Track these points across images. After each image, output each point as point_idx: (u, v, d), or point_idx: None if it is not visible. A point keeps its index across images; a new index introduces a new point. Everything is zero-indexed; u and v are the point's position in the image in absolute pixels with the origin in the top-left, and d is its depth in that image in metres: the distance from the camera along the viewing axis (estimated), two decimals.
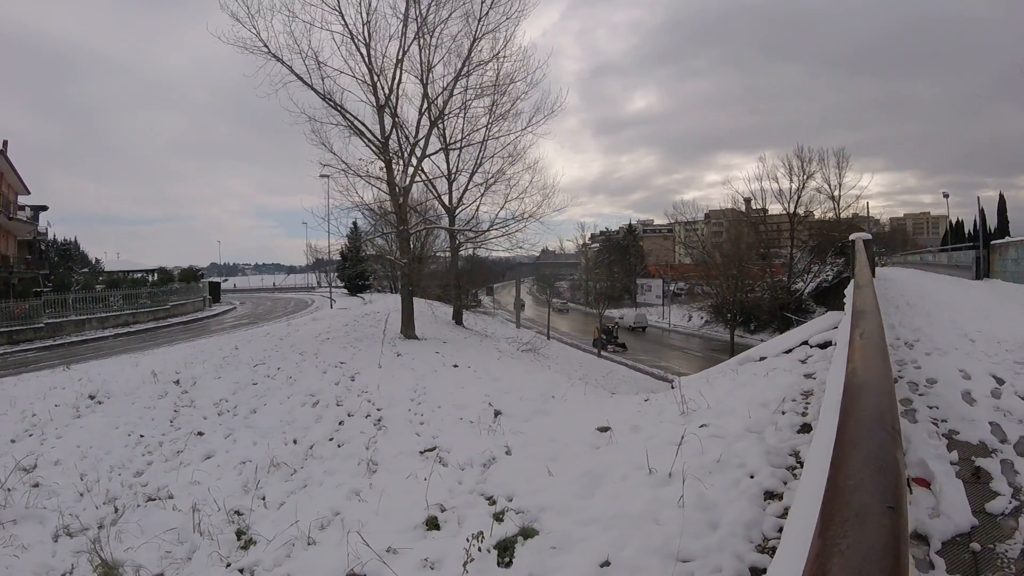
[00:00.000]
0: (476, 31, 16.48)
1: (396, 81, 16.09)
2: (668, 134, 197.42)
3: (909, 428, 3.52)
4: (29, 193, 34.74)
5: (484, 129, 20.14)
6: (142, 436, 8.79)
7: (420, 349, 14.84)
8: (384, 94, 16.00)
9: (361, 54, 15.58)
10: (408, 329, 17.20)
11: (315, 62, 15.13)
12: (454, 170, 22.17)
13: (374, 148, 16.33)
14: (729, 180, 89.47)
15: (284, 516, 5.24)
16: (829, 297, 32.28)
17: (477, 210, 23.97)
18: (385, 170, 16.55)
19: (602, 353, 35.02)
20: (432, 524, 4.17)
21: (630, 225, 77.55)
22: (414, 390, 9.86)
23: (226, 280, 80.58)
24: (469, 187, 22.21)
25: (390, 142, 16.44)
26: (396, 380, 10.72)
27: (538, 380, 10.65)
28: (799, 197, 44.20)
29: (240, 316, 37.81)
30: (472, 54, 16.81)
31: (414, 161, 17.42)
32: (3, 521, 5.66)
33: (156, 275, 40.86)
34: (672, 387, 7.81)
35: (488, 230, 22.88)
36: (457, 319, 25.79)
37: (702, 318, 41.78)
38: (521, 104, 19.79)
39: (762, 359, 6.91)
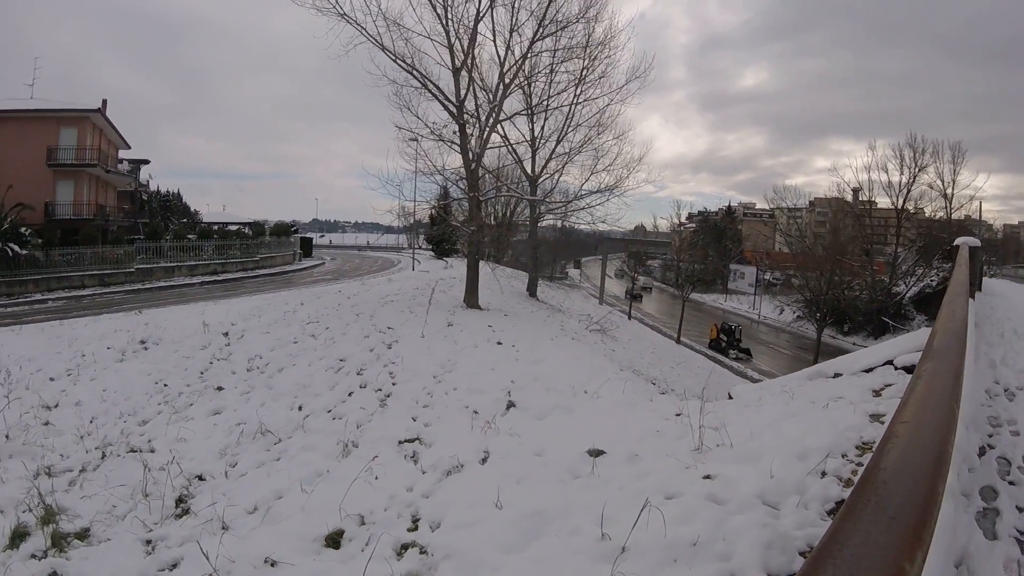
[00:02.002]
0: None
1: (472, 42, 16.11)
2: (777, 114, 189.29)
3: (980, 547, 2.49)
4: (129, 148, 39.04)
5: (571, 94, 20.18)
6: (166, 385, 9.56)
7: (475, 320, 14.89)
8: (461, 56, 16.11)
9: (438, 14, 15.69)
10: (471, 298, 17.48)
11: (385, 22, 15.39)
12: (538, 137, 22.44)
13: (450, 111, 16.56)
14: (836, 167, 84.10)
15: (234, 490, 5.33)
16: (931, 305, 30.33)
17: (556, 181, 24.21)
18: (459, 134, 16.78)
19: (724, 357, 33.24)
20: (332, 541, 3.97)
21: (729, 207, 76.75)
22: (441, 366, 9.80)
23: (323, 236, 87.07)
24: (553, 156, 22.40)
25: (465, 105, 16.61)
26: (430, 353, 10.73)
27: (582, 368, 10.17)
28: (908, 191, 42.30)
29: (326, 271, 40.61)
30: (548, 12, 16.50)
31: (491, 122, 17.44)
32: (3, 455, 6.35)
33: (249, 228, 44.47)
34: (729, 396, 7.24)
35: (569, 201, 22.92)
36: (531, 291, 26.09)
37: (794, 312, 39.49)
38: (613, 71, 19.81)
39: (836, 376, 6.05)
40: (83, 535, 4.67)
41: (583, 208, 22.30)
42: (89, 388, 9.34)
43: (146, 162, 42.48)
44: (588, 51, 18.64)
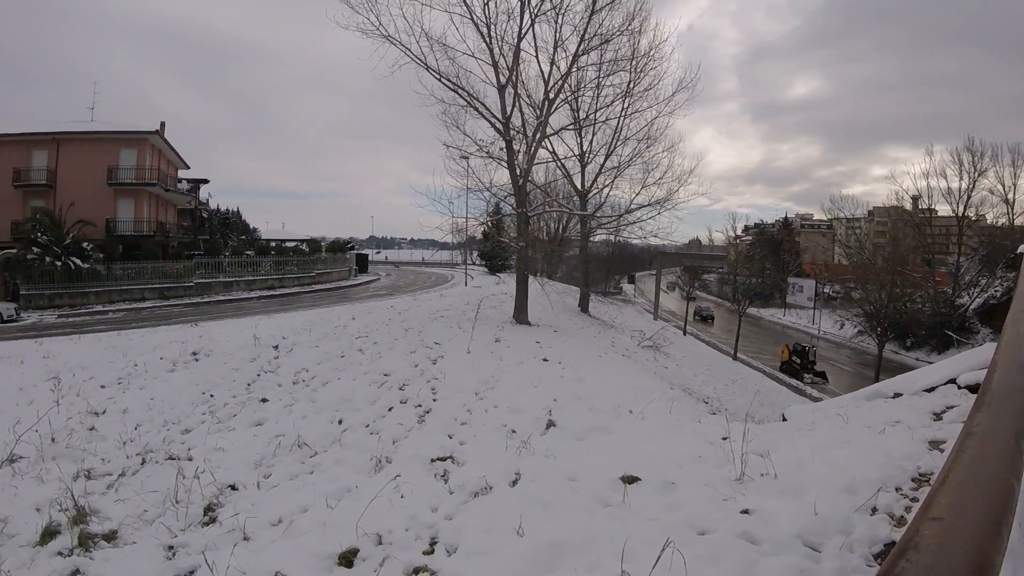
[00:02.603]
0: (593, 3, 16.53)
1: (516, 59, 16.48)
2: (830, 122, 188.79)
3: None
4: (188, 168, 41.76)
5: (620, 105, 20.62)
6: (212, 396, 9.83)
7: (522, 337, 14.93)
8: (506, 73, 16.52)
9: (481, 33, 16.16)
10: (520, 314, 17.70)
11: (428, 42, 15.94)
12: (587, 152, 22.90)
13: (496, 128, 16.98)
14: (894, 174, 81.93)
15: (262, 501, 5.35)
16: (996, 317, 29.41)
17: (606, 195, 24.49)
18: (506, 150, 17.15)
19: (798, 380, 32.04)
20: (346, 560, 3.88)
21: (786, 218, 76.52)
22: (484, 383, 9.86)
23: (379, 252, 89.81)
24: (603, 170, 22.79)
25: (512, 121, 17.02)
26: (473, 369, 10.82)
27: (629, 386, 9.94)
28: (969, 198, 41.66)
29: (380, 287, 41.96)
30: (590, 26, 16.82)
31: (538, 137, 17.80)
32: (47, 457, 6.67)
33: (306, 245, 46.23)
34: (783, 418, 6.91)
35: (619, 216, 23.06)
36: (583, 306, 26.25)
37: (855, 327, 38.22)
38: (660, 83, 20.05)
39: (896, 396, 5.76)
40: (110, 537, 4.77)
41: (634, 223, 22.62)
42: (137, 396, 9.72)
43: (205, 181, 45.28)
44: (634, 63, 18.97)
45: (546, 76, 17.68)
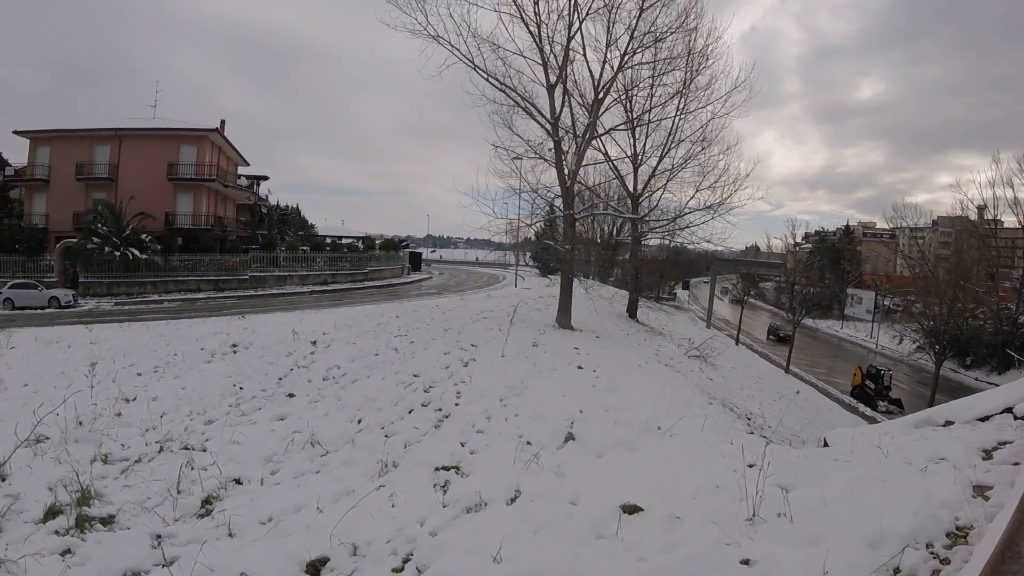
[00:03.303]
0: (643, 1, 16.37)
1: (566, 58, 16.45)
2: (896, 126, 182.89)
3: None
4: (248, 164, 43.85)
5: (675, 105, 20.42)
6: (242, 388, 10.14)
7: (562, 341, 14.86)
8: (555, 72, 16.50)
9: (531, 31, 16.15)
10: (563, 318, 17.61)
11: (475, 41, 16.06)
12: (640, 153, 22.69)
13: (545, 128, 17.02)
14: (959, 183, 78.01)
15: (261, 498, 5.47)
16: None
17: (658, 198, 24.14)
18: (555, 151, 17.17)
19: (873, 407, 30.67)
20: (313, 569, 3.89)
21: (847, 226, 74.61)
22: (511, 389, 9.80)
23: (434, 251, 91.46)
24: (656, 172, 22.57)
25: (561, 121, 17.03)
26: (504, 374, 10.77)
27: (665, 399, 9.62)
28: None
29: (431, 286, 42.78)
30: (640, 24, 16.67)
31: (588, 137, 17.74)
32: (70, 440, 7.03)
33: (361, 242, 47.44)
34: (824, 444, 6.59)
35: (672, 220, 22.80)
36: (631, 312, 25.98)
37: (914, 342, 36.10)
38: (716, 83, 19.82)
39: (947, 424, 5.50)
40: (107, 521, 4.95)
41: (686, 227, 22.26)
42: (170, 385, 10.15)
43: (265, 178, 47.33)
44: (689, 62, 18.76)
45: (596, 75, 17.60)
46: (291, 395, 9.89)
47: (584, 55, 17.42)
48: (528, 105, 16.88)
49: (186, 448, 7.02)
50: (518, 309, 20.57)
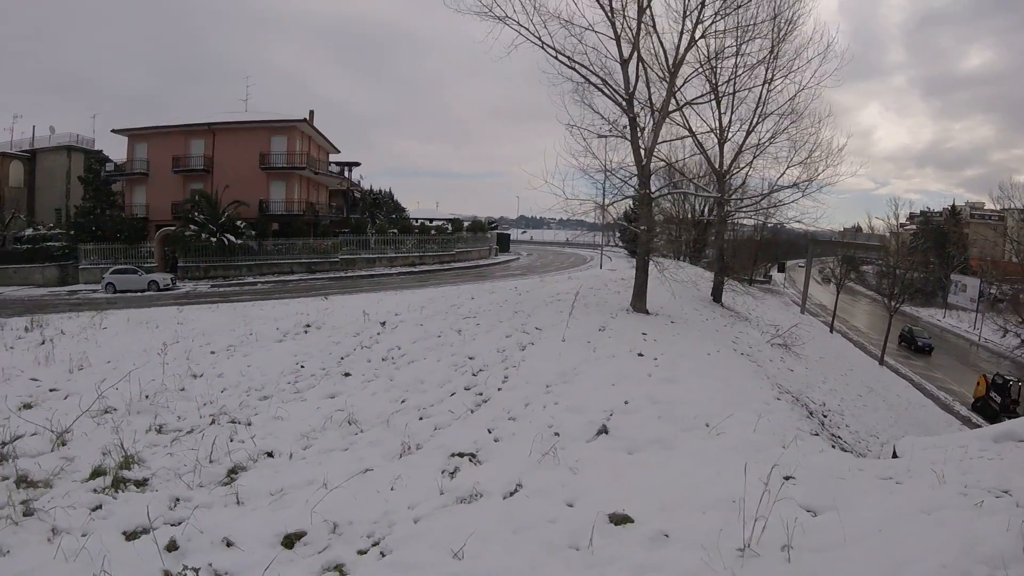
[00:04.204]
0: None
1: (639, 31, 16.04)
2: (1007, 98, 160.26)
3: None
4: (339, 152, 46.26)
5: (761, 75, 19.64)
6: (302, 367, 10.81)
7: (631, 326, 14.53)
8: (629, 46, 16.10)
9: (600, 3, 15.79)
10: (638, 302, 17.32)
11: (540, 18, 15.75)
12: (726, 127, 21.87)
13: (620, 104, 16.65)
14: None
15: (284, 471, 5.87)
16: None
17: (746, 176, 23.23)
18: (629, 128, 16.76)
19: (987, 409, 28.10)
20: (288, 541, 4.11)
21: (953, 206, 69.05)
22: (561, 376, 9.71)
23: (524, 232, 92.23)
24: (743, 148, 21.70)
25: (637, 96, 16.59)
26: (559, 359, 10.69)
27: (725, 392, 9.13)
28: None
29: (518, 266, 43.68)
30: None
31: (665, 109, 17.21)
32: (132, 411, 7.82)
33: (449, 224, 48.76)
34: (894, 454, 6.14)
35: (759, 198, 21.93)
36: (716, 296, 25.17)
37: (1019, 336, 32.02)
38: (806, 51, 18.88)
39: None
40: (140, 483, 5.51)
41: (774, 206, 21.44)
42: (238, 363, 11.01)
43: (357, 164, 49.91)
44: (774, 28, 17.98)
45: (673, 45, 17.08)
46: (347, 374, 10.40)
47: (653, 26, 16.90)
48: (600, 82, 16.49)
49: (233, 422, 7.61)
50: (597, 290, 20.58)
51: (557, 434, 6.84)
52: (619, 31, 15.91)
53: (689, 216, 37.36)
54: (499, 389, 9.12)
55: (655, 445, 6.55)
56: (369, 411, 8.09)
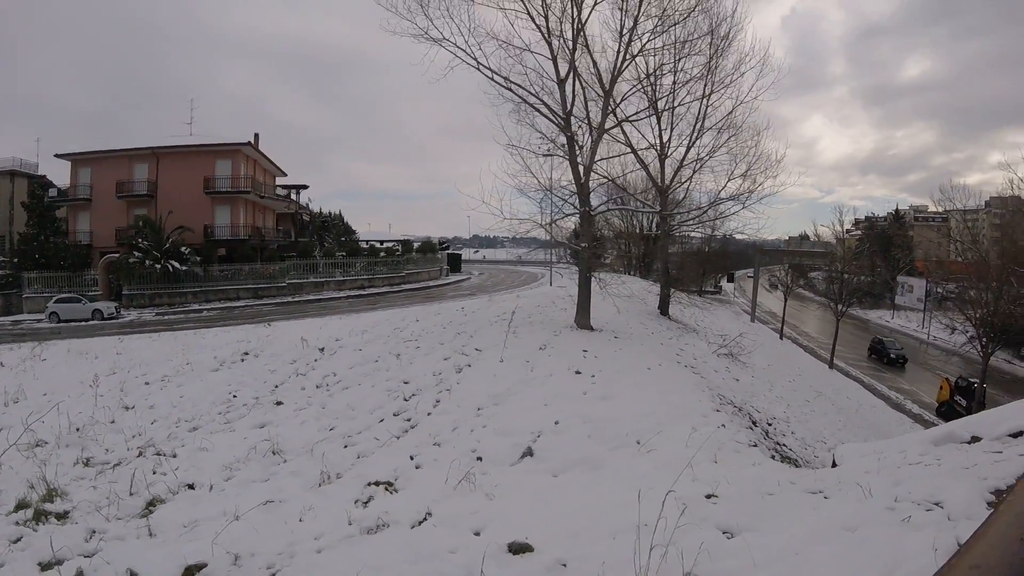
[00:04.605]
0: None
1: (574, 51, 16.39)
2: (945, 105, 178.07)
3: None
4: (285, 175, 46.10)
5: (700, 90, 20.25)
6: (235, 396, 10.92)
7: (572, 343, 14.67)
8: (565, 65, 16.48)
9: (537, 25, 16.09)
10: (582, 318, 17.42)
11: (476, 40, 16.06)
12: (666, 143, 22.43)
13: (556, 123, 16.94)
14: (1008, 162, 72.62)
15: (203, 503, 5.99)
16: None
17: (687, 189, 23.85)
18: (567, 146, 17.06)
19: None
20: (189, 573, 4.28)
21: (897, 211, 72.59)
22: (493, 398, 9.82)
23: (477, 251, 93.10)
24: (684, 163, 22.28)
25: (574, 115, 16.95)
26: (494, 381, 10.84)
27: (662, 406, 9.38)
28: None
29: (468, 287, 43.83)
30: (645, 7, 16.51)
31: (601, 128, 17.58)
32: (62, 444, 7.98)
33: (399, 246, 48.97)
34: (833, 463, 6.25)
35: (700, 211, 22.59)
36: (662, 309, 25.53)
37: (966, 332, 34.11)
38: (744, 66, 19.56)
39: (973, 441, 5.04)
40: (62, 516, 5.66)
41: (715, 219, 22.28)
42: (171, 394, 11.11)
43: (305, 187, 49.56)
44: (712, 45, 18.76)
45: (608, 65, 17.62)
46: (279, 403, 10.52)
47: (586, 45, 17.36)
48: (538, 101, 16.81)
49: (158, 454, 7.75)
50: (544, 308, 20.84)
51: (480, 458, 6.93)
52: (555, 51, 16.32)
53: (637, 231, 38.23)
54: (428, 414, 9.27)
55: (581, 466, 6.57)
56: (296, 440, 8.23)
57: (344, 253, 41.07)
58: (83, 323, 26.79)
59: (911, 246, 67.81)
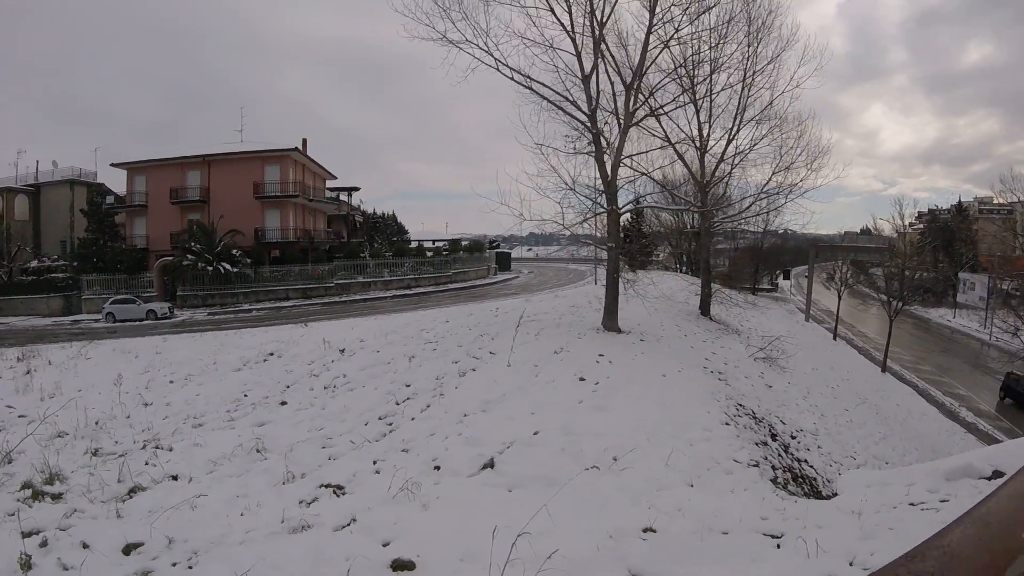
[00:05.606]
0: None
1: (595, 46, 16.33)
2: (1011, 91, 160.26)
3: None
4: (335, 178, 48.50)
5: (738, 79, 20.19)
6: (246, 396, 11.75)
7: (590, 348, 14.42)
8: (590, 61, 16.42)
9: (560, 22, 16.12)
10: (609, 320, 17.28)
11: (493, 41, 16.18)
12: (706, 136, 22.22)
13: (581, 121, 16.98)
14: None
15: (178, 492, 6.60)
16: None
17: (726, 185, 23.70)
18: (593, 144, 17.03)
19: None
20: (127, 550, 4.89)
21: (959, 203, 67.94)
22: (483, 404, 9.94)
23: (530, 249, 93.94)
24: (724, 157, 22.10)
25: (601, 111, 16.92)
26: (492, 386, 10.96)
27: (661, 421, 9.19)
28: None
29: (514, 286, 44.62)
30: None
31: (626, 123, 17.47)
32: (79, 436, 8.95)
33: (448, 244, 50.24)
34: (833, 493, 6.28)
35: (746, 207, 22.31)
36: (703, 309, 25.24)
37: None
38: (785, 53, 19.58)
39: (995, 476, 4.49)
40: (56, 496, 6.49)
41: (762, 213, 22.33)
42: (189, 392, 12.11)
43: (356, 189, 52.20)
44: (749, 33, 18.72)
45: (636, 55, 17.47)
46: (284, 403, 11.24)
47: (617, 38, 17.56)
48: (561, 99, 16.78)
49: (157, 448, 8.65)
50: (580, 308, 20.88)
51: (438, 467, 7.10)
52: (580, 47, 16.31)
53: (686, 227, 37.75)
54: (413, 419, 9.52)
55: (539, 482, 6.47)
56: (283, 440, 8.70)
57: (391, 253, 42.46)
58: (137, 323, 29.00)
59: (975, 240, 64.11)
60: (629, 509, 5.69)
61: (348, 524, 5.55)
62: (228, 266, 33.62)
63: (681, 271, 46.14)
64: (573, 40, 16.26)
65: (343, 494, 6.55)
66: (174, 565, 4.80)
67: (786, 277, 57.41)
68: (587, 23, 16.12)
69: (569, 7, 15.95)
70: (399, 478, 6.38)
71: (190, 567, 4.79)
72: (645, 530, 4.95)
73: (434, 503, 5.96)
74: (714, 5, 17.33)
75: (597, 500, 5.94)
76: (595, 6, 16.01)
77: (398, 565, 4.54)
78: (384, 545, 4.95)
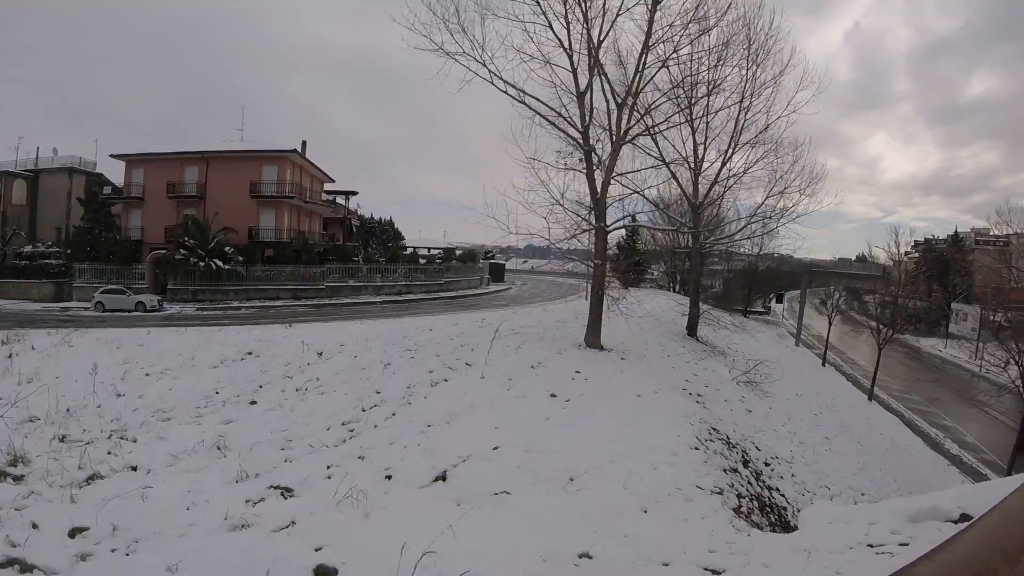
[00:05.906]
0: None
1: (593, 66, 16.52)
2: (1011, 124, 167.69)
3: None
4: (333, 181, 48.92)
5: (735, 102, 20.33)
6: (217, 393, 11.96)
7: (568, 364, 14.45)
8: (585, 78, 16.59)
9: (559, 39, 16.28)
10: (592, 337, 17.35)
11: (488, 54, 16.27)
12: (701, 158, 22.37)
13: (573, 137, 17.10)
14: None
15: (133, 482, 6.76)
16: None
17: (718, 207, 23.93)
18: (584, 161, 17.21)
19: None
20: (72, 533, 5.13)
21: (956, 233, 69.29)
22: (448, 416, 9.91)
23: (525, 262, 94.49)
24: (718, 179, 22.25)
25: (594, 125, 17.14)
26: (463, 398, 10.98)
27: (627, 442, 9.14)
28: None
29: (505, 297, 44.66)
30: (658, 18, 16.37)
31: (618, 141, 17.50)
32: (49, 422, 9.25)
33: (442, 253, 50.61)
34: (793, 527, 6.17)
35: (738, 230, 22.42)
36: (690, 330, 25.27)
37: (1020, 366, 31.33)
38: (783, 77, 19.63)
39: (962, 520, 4.28)
40: (17, 478, 6.71)
41: (755, 235, 22.51)
42: (163, 386, 12.38)
43: (354, 193, 52.15)
44: (749, 53, 18.81)
45: (630, 75, 17.57)
46: (253, 403, 11.48)
47: (615, 55, 17.61)
48: (553, 114, 16.90)
49: (122, 438, 8.91)
50: (566, 323, 21.04)
51: (389, 477, 7.13)
52: (576, 64, 16.48)
53: (679, 246, 37.96)
54: (376, 427, 9.60)
55: (491, 499, 6.50)
56: (246, 439, 8.93)
57: (384, 259, 42.83)
58: (126, 314, 29.20)
59: (970, 271, 64.67)
60: (572, 532, 5.68)
61: (287, 527, 5.63)
62: (220, 263, 33.94)
63: (675, 290, 46.45)
64: (570, 57, 16.46)
65: (291, 496, 6.64)
66: (113, 551, 5.03)
67: (779, 301, 57.88)
68: (584, 40, 16.32)
69: (567, 24, 16.15)
70: (346, 484, 6.46)
71: (127, 554, 5.02)
72: (581, 556, 4.92)
73: (377, 512, 5.98)
74: (714, 26, 17.55)
75: (542, 521, 5.92)
76: (592, 24, 16.20)
77: (321, 571, 4.67)
78: (316, 550, 5.04)
